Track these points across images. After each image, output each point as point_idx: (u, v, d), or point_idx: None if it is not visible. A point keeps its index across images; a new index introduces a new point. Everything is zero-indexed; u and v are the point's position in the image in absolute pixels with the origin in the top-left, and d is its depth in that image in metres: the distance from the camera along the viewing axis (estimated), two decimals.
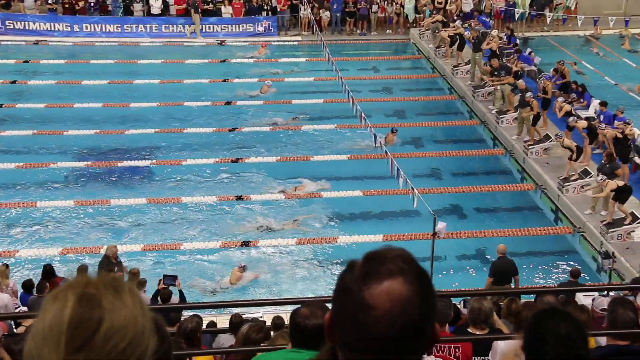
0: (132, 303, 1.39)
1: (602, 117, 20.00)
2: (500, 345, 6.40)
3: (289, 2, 31.23)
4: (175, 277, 12.69)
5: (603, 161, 17.16)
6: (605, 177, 16.05)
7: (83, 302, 1.35)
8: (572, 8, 31.80)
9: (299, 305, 3.69)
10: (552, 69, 23.85)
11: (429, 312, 1.49)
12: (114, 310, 1.36)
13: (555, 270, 15.67)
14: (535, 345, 2.57)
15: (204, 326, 10.07)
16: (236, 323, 9.12)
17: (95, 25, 30.27)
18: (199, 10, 30.47)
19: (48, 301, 1.38)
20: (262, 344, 6.67)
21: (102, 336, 1.33)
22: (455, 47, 26.36)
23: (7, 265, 12.90)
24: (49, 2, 30.64)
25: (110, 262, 13.54)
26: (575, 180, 17.56)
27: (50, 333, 1.33)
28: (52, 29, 30.10)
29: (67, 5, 30.70)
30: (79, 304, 1.35)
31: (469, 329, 6.91)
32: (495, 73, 22.83)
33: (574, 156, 17.66)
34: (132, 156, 20.42)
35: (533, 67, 24.82)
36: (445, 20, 28.76)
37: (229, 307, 11.19)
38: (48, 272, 12.59)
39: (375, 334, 1.45)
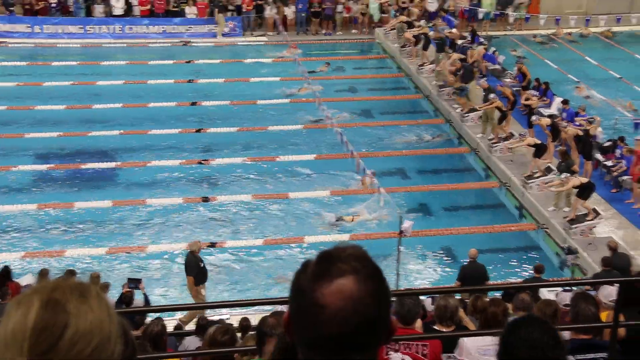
0: (99, 308, 1.38)
1: (564, 114, 20.30)
2: (465, 342, 6.44)
3: (254, 2, 31.13)
4: (139, 280, 12.59)
5: (559, 160, 17.42)
6: (568, 174, 16.29)
7: (48, 307, 1.33)
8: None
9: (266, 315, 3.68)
10: (515, 68, 24.18)
11: (383, 309, 1.50)
12: (80, 315, 1.34)
13: (519, 267, 15.84)
14: (509, 353, 2.58)
15: (171, 329, 10.03)
16: (203, 325, 9.08)
17: (57, 26, 29.84)
18: (223, 10, 30.23)
19: (12, 306, 1.36)
20: (229, 346, 6.65)
21: (67, 341, 1.31)
22: (420, 46, 26.53)
23: None
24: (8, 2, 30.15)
25: (196, 258, 13.40)
26: (539, 177, 17.78)
27: (14, 339, 1.31)
28: (13, 30, 29.61)
29: (27, 6, 30.22)
30: (44, 309, 1.33)
31: (435, 326, 6.94)
32: (459, 73, 23.02)
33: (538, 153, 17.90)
34: (96, 158, 20.17)
35: (497, 66, 25.10)
36: (409, 20, 28.93)
37: (199, 309, 11.12)
38: (4, 274, 12.35)
39: (329, 333, 1.46)
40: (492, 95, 20.31)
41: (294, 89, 24.72)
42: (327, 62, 26.95)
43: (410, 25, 28.46)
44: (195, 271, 13.29)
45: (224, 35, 30.68)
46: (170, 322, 10.92)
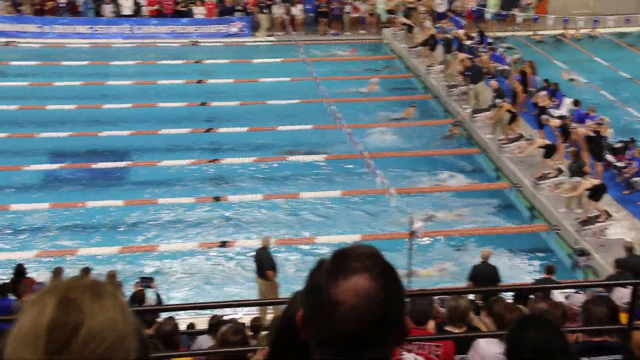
0: (113, 307, 1.39)
1: (574, 115, 20.26)
2: (482, 346, 6.41)
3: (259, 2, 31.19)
4: (151, 279, 12.66)
5: (571, 160, 17.41)
6: (578, 178, 16.27)
7: (62, 306, 1.35)
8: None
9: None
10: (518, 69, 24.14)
11: (396, 307, 1.53)
12: (93, 315, 1.35)
13: (530, 268, 15.83)
14: (515, 354, 2.60)
15: (184, 327, 10.07)
16: (215, 324, 9.12)
17: (66, 26, 29.96)
18: (263, 10, 30.32)
19: (27, 305, 1.38)
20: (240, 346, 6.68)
21: (80, 340, 1.32)
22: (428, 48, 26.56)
23: None
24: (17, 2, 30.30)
25: (268, 252, 13.54)
26: (554, 177, 17.74)
27: (29, 337, 1.33)
28: (22, 30, 29.74)
29: (36, 7, 30.37)
30: (58, 308, 1.34)
31: (447, 328, 6.95)
32: (467, 74, 23.01)
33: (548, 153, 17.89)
34: (107, 158, 20.25)
35: (506, 67, 25.07)
36: (412, 25, 28.90)
37: (208, 309, 11.16)
38: (20, 272, 12.41)
39: (343, 330, 1.48)
40: (498, 101, 20.24)
41: (363, 88, 24.86)
42: (387, 65, 27.06)
43: (410, 29, 28.63)
44: (273, 264, 13.39)
45: (230, 35, 30.74)
46: (183, 321, 10.96)
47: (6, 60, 27.70)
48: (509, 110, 19.95)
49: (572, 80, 24.46)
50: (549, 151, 17.95)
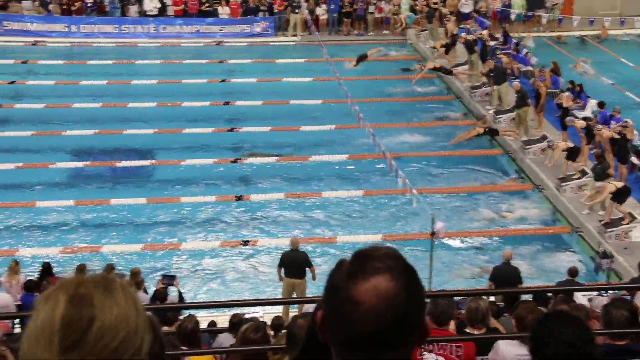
0: (125, 302, 1.39)
1: (599, 117, 20.08)
2: (502, 349, 6.39)
3: (285, 3, 31.28)
4: (173, 277, 12.74)
5: (595, 162, 17.27)
6: (601, 183, 16.15)
7: (74, 302, 1.35)
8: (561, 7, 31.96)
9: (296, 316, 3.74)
10: (548, 70, 23.98)
11: (416, 307, 1.53)
12: (105, 310, 1.36)
13: (553, 270, 15.72)
14: (539, 348, 2.57)
15: (205, 325, 10.14)
16: (235, 323, 9.18)
17: (93, 26, 30.29)
18: (296, 10, 30.59)
19: (40, 302, 1.39)
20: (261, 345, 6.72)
21: (93, 335, 1.33)
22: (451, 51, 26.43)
23: (17, 262, 12.96)
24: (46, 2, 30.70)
25: (300, 251, 13.78)
26: (577, 179, 17.61)
27: (43, 333, 1.34)
28: (50, 29, 30.12)
29: (64, 7, 30.75)
30: (70, 303, 1.35)
31: (466, 329, 6.94)
32: (491, 75, 22.91)
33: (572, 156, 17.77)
34: (131, 156, 20.46)
35: (530, 68, 24.92)
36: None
37: (229, 307, 11.24)
38: (46, 269, 12.61)
39: (363, 331, 1.48)
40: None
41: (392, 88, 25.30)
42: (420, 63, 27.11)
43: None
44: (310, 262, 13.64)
45: (254, 35, 30.88)
46: (204, 319, 11.04)
47: (34, 60, 28.08)
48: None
49: (584, 73, 24.51)
50: (573, 154, 17.80)
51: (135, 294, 1.46)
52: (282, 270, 13.68)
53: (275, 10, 31.36)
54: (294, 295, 13.42)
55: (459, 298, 9.60)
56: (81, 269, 12.34)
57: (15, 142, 21.10)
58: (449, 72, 24.45)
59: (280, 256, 13.92)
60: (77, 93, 24.58)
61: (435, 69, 24.52)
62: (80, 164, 20.02)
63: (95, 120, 22.55)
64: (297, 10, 30.99)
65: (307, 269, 13.62)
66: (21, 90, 25.14)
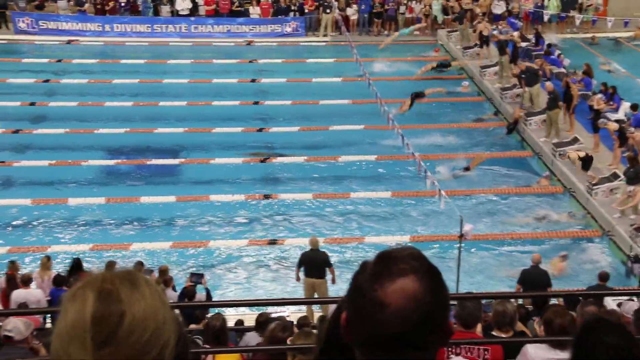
0: (150, 295, 1.41)
1: (632, 120, 19.81)
2: (529, 349, 6.34)
3: (316, 3, 31.32)
4: (201, 275, 12.82)
5: (627, 165, 17.03)
6: (634, 186, 15.92)
7: (102, 298, 1.37)
8: (601, 9, 31.51)
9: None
10: (581, 72, 23.73)
11: (441, 308, 1.53)
12: (133, 304, 1.38)
13: (583, 274, 15.54)
14: (585, 354, 2.53)
15: (232, 324, 10.20)
16: (262, 322, 9.21)
17: (126, 25, 30.63)
18: (327, 10, 30.69)
19: (67, 300, 1.40)
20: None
21: (125, 330, 1.35)
22: (485, 48, 26.31)
23: (49, 258, 13.14)
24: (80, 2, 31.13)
25: (320, 251, 13.80)
26: (609, 182, 17.40)
27: (75, 332, 1.35)
28: (84, 29, 30.52)
29: (98, 6, 31.16)
30: (99, 300, 1.37)
31: (493, 332, 6.90)
32: (523, 76, 22.71)
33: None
34: (162, 154, 20.65)
35: (562, 69, 24.65)
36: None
37: (254, 306, 11.29)
38: (76, 265, 12.75)
39: (390, 332, 1.49)
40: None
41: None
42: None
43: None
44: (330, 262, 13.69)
45: (285, 35, 30.98)
46: (231, 317, 11.12)
47: (69, 58, 28.47)
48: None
49: (610, 72, 24.22)
50: (586, 163, 17.77)
51: (158, 287, 1.48)
52: (302, 270, 13.60)
53: (306, 11, 31.41)
54: (316, 296, 13.38)
55: (485, 301, 9.54)
56: (111, 265, 12.48)
57: (49, 140, 21.41)
58: (447, 65, 25.15)
59: (299, 256, 13.90)
60: (110, 92, 24.87)
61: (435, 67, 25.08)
62: (111, 162, 20.26)
63: (127, 119, 22.79)
64: (327, 11, 31.01)
65: (327, 269, 13.55)
66: (55, 88, 25.49)
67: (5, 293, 11.84)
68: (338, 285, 13.57)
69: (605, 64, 25.79)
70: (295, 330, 8.38)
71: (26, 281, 11.59)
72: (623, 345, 2.51)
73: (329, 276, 13.53)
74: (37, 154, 20.46)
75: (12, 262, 12.97)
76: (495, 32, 26.18)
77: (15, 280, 11.93)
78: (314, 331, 6.37)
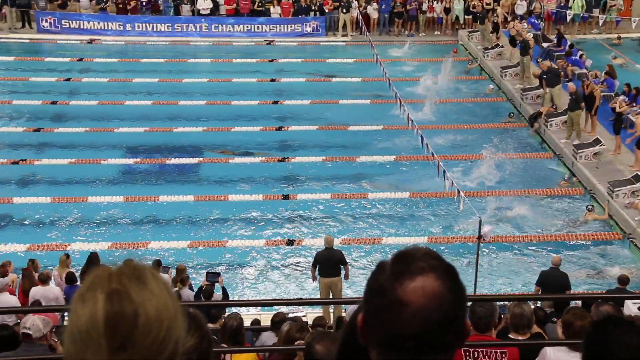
0: (159, 290, 1.39)
1: None
2: (548, 352, 6.26)
3: (335, 3, 31.28)
4: (218, 274, 12.83)
5: None
6: None
7: (113, 300, 1.34)
8: (622, 9, 31.16)
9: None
10: (604, 72, 23.48)
11: (461, 307, 1.52)
12: (145, 302, 1.35)
13: (603, 277, 15.38)
14: (598, 354, 2.47)
15: (248, 323, 10.20)
16: (277, 322, 9.20)
17: (147, 24, 30.79)
18: (345, 10, 30.71)
19: (77, 302, 1.37)
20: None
21: (141, 330, 1.33)
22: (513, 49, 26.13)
23: (67, 255, 13.23)
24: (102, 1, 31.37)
25: (335, 249, 13.74)
26: (631, 184, 17.18)
27: (89, 336, 1.33)
28: (106, 28, 30.73)
29: (120, 5, 31.37)
30: (110, 302, 1.34)
31: (510, 335, 6.83)
32: (544, 77, 22.50)
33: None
34: (181, 153, 20.73)
35: (584, 70, 24.40)
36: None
37: (270, 305, 11.30)
38: (92, 260, 12.74)
39: (410, 331, 1.46)
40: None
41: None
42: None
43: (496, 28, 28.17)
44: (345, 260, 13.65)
45: (305, 34, 30.97)
46: (247, 317, 11.13)
47: (90, 57, 28.68)
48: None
49: (622, 65, 24.32)
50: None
51: (164, 279, 1.45)
52: (317, 269, 13.56)
53: (326, 10, 31.39)
54: (331, 295, 13.35)
55: (501, 303, 9.45)
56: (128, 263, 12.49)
57: (70, 138, 21.57)
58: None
59: (314, 255, 13.86)
60: (130, 90, 25.02)
61: None
62: (130, 161, 20.37)
63: (147, 118, 22.91)
64: (344, 10, 30.95)
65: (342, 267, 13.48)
66: (76, 87, 25.69)
67: (22, 290, 11.93)
68: (355, 287, 13.52)
69: (616, 57, 25.76)
70: (310, 330, 8.36)
71: (44, 279, 11.66)
72: (638, 344, 2.44)
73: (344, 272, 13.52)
74: (57, 152, 20.62)
75: (32, 260, 13.08)
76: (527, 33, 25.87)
77: (32, 278, 12.01)
78: (331, 332, 6.34)
